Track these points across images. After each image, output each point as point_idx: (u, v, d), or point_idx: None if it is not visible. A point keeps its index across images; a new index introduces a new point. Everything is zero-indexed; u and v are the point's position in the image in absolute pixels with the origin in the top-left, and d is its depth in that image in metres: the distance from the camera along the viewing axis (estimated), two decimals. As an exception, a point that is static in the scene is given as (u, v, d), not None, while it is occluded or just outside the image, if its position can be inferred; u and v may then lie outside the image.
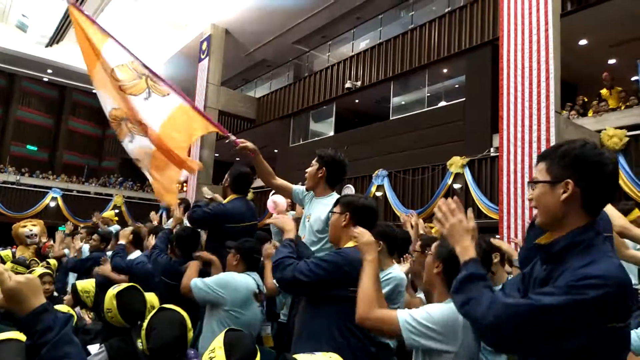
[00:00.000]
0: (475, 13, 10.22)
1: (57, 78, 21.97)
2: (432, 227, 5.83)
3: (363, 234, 1.80)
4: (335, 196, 2.65)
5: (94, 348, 2.05)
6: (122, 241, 4.07)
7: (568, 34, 7.78)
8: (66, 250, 5.58)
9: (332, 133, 14.13)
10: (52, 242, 7.96)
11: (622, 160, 7.34)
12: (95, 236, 4.95)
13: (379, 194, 10.81)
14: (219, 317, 2.66)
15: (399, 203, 10.47)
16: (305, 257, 2.07)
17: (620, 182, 7.31)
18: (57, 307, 3.12)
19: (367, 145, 11.90)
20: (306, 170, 2.77)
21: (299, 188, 2.92)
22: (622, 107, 8.45)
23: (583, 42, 9.96)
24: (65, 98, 23.35)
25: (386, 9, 13.52)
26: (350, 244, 2.03)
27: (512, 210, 7.10)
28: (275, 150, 16.09)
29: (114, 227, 7.23)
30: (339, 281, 1.93)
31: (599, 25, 9.08)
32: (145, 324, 1.89)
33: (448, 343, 1.51)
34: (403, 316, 1.53)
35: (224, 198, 3.34)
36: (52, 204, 19.06)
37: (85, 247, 5.20)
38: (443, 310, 1.56)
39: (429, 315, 1.53)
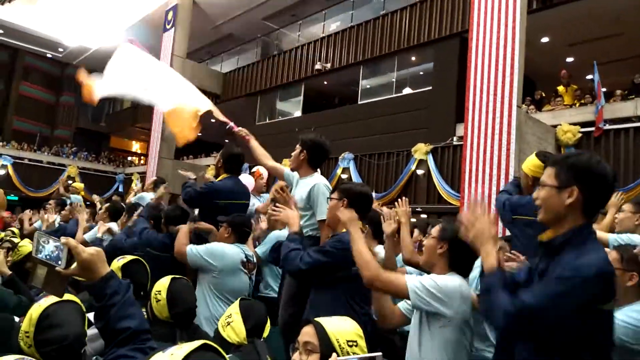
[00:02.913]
0: (446, 4, 10.46)
1: (7, 39, 20.71)
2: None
3: (344, 212, 2.02)
4: (316, 176, 2.81)
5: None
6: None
7: (531, 30, 8.14)
8: (38, 224, 5.43)
9: (299, 113, 14.17)
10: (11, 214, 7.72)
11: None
12: (67, 207, 4.87)
13: (344, 176, 11.04)
14: (208, 282, 2.88)
15: (364, 186, 10.73)
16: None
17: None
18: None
19: (335, 127, 12.05)
20: (291, 153, 2.92)
21: (289, 170, 3.05)
22: (577, 105, 8.97)
23: (545, 39, 10.42)
24: (16, 61, 22.11)
25: (358, -8, 13.58)
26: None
27: (472, 197, 7.47)
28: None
29: (75, 197, 7.10)
30: (340, 264, 2.12)
31: (561, 24, 9.54)
32: (164, 294, 2.02)
33: (448, 308, 1.72)
34: (412, 281, 1.74)
35: (217, 177, 3.48)
36: (2, 172, 18.19)
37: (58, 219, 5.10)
38: (446, 280, 1.77)
39: (434, 282, 1.74)
